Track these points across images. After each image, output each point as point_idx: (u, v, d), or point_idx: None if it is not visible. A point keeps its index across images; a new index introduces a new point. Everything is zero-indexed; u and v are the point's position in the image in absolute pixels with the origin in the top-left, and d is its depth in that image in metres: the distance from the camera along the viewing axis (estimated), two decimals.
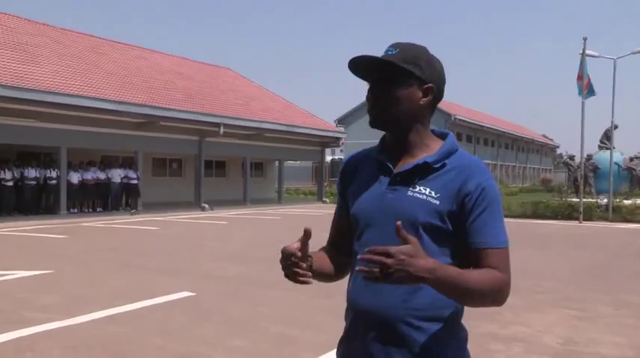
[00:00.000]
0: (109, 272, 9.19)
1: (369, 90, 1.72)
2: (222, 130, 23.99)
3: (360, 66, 1.72)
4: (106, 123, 20.57)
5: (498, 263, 1.58)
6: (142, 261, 10.52)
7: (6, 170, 19.03)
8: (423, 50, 1.71)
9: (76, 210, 20.50)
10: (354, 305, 1.74)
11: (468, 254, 1.62)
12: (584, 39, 20.66)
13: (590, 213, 20.82)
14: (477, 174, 1.63)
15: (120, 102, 20.34)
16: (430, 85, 1.68)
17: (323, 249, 1.92)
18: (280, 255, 1.63)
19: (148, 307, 6.84)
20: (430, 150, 1.70)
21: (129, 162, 22.97)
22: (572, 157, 29.30)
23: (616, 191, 23.66)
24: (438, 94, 1.72)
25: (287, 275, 1.65)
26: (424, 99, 1.68)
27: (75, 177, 20.42)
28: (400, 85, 1.66)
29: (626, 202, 23.13)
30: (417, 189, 1.64)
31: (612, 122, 24.16)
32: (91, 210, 21.24)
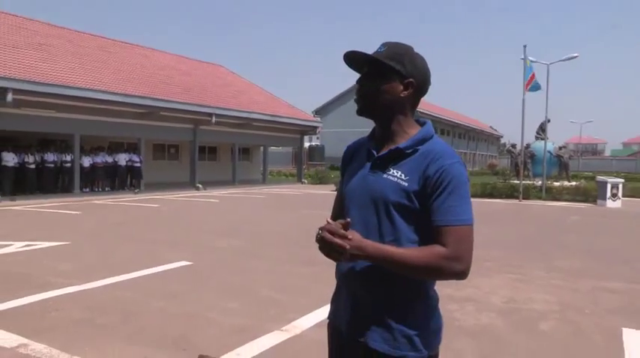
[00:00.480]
0: (117, 244, 9.15)
1: (357, 82, 1.73)
2: (214, 120, 23.81)
3: (354, 60, 1.72)
4: (114, 113, 20.35)
5: (449, 239, 1.54)
6: (145, 234, 10.47)
7: (29, 154, 18.80)
8: (407, 49, 1.70)
9: (87, 190, 20.24)
10: (339, 270, 1.78)
11: (432, 231, 1.58)
12: (524, 46, 20.78)
13: (528, 193, 21.10)
14: (440, 157, 1.60)
15: (125, 95, 20.06)
16: (411, 79, 1.66)
17: None
18: (319, 234, 1.56)
19: (152, 274, 6.83)
20: (407, 136, 1.69)
21: (133, 148, 22.69)
22: (514, 146, 29.50)
23: (548, 175, 24.01)
24: (420, 89, 1.70)
25: (327, 253, 1.57)
26: (405, 92, 1.67)
27: (86, 161, 20.17)
28: (383, 78, 1.66)
29: (556, 184, 23.68)
30: (390, 172, 1.64)
31: (546, 116, 24.46)
32: (100, 189, 20.97)
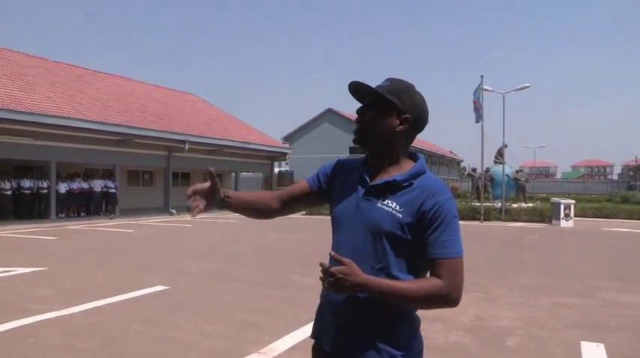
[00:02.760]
0: (94, 269, 8.93)
1: (357, 111, 1.73)
2: (187, 146, 23.75)
3: (357, 90, 1.73)
4: (90, 140, 20.09)
5: (444, 271, 1.57)
6: (121, 259, 10.26)
7: (5, 181, 18.38)
8: (408, 86, 1.71)
9: (63, 215, 19.82)
10: (323, 294, 1.76)
11: (427, 263, 1.61)
12: (482, 76, 21.31)
13: (489, 215, 21.35)
14: (436, 194, 1.61)
15: (101, 123, 19.93)
16: (407, 115, 1.67)
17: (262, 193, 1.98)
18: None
19: (129, 299, 6.68)
20: (402, 169, 1.69)
21: (108, 174, 22.45)
22: (474, 170, 29.95)
23: (507, 197, 24.41)
24: (415, 125, 1.70)
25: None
26: (400, 126, 1.67)
27: (62, 187, 19.80)
28: (381, 111, 1.67)
29: (514, 206, 24.10)
30: (385, 202, 1.63)
31: (503, 142, 25.02)
32: (76, 215, 20.57)
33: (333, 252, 1.58)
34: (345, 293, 1.58)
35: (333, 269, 1.52)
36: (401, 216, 1.61)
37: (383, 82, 1.71)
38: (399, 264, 1.62)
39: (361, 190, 1.70)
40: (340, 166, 1.85)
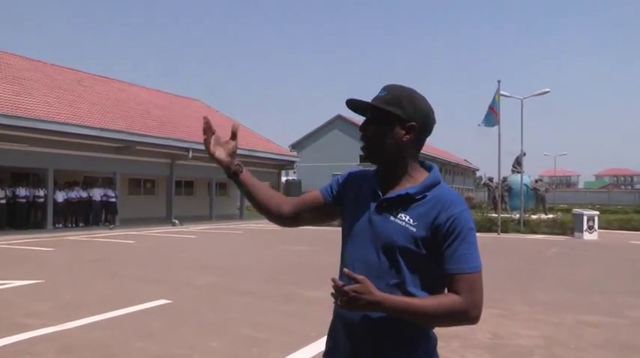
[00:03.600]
0: (93, 282, 8.95)
1: (359, 129, 1.74)
2: (191, 154, 23.76)
3: (356, 106, 1.74)
4: (89, 147, 20.19)
5: (463, 287, 1.56)
6: (121, 271, 10.26)
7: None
8: (407, 91, 1.70)
9: (61, 225, 19.92)
10: (336, 311, 1.74)
11: (444, 278, 1.60)
12: (499, 81, 21.24)
13: (506, 227, 21.30)
14: (451, 206, 1.60)
15: (101, 129, 20.02)
16: (412, 123, 1.65)
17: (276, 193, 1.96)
18: None
19: (130, 313, 6.68)
20: (414, 181, 1.68)
21: (108, 182, 22.55)
22: (491, 179, 29.84)
23: (525, 208, 24.27)
24: (423, 131, 1.69)
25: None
26: (407, 136, 1.66)
27: (60, 196, 19.90)
28: (384, 124, 1.67)
29: (533, 217, 23.93)
30: (398, 216, 1.63)
31: (521, 150, 24.92)
32: (74, 225, 20.67)
33: (347, 270, 1.56)
34: (359, 312, 1.57)
35: (347, 287, 1.51)
36: (415, 230, 1.60)
37: (380, 92, 1.71)
38: (414, 280, 1.62)
39: (373, 204, 1.70)
40: (351, 179, 1.85)
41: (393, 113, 1.65)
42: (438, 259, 1.60)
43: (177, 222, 23.32)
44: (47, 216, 19.37)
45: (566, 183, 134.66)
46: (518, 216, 22.78)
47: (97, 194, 21.31)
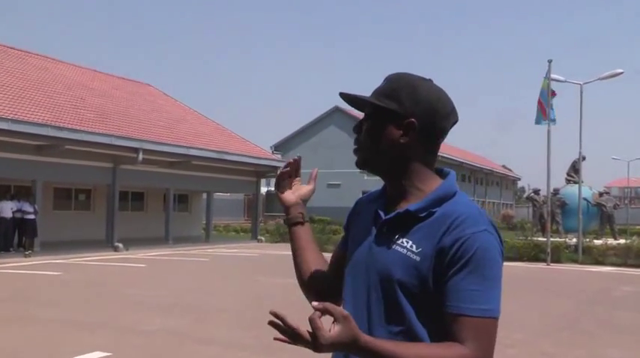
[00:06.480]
0: (1, 329, 8.85)
1: (354, 129, 1.76)
2: (141, 156, 23.61)
3: (352, 102, 1.76)
4: None
5: (469, 334, 1.49)
6: (42, 314, 10.14)
7: None
8: (408, 80, 1.69)
9: None
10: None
11: (444, 320, 1.54)
12: (549, 61, 21.27)
13: (559, 254, 21.31)
14: (462, 224, 1.55)
15: (13, 121, 19.63)
16: (410, 120, 1.64)
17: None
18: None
19: None
20: (422, 194, 1.66)
21: (25, 193, 22.34)
22: (537, 191, 29.84)
23: (585, 229, 24.33)
24: (428, 130, 1.66)
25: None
26: (404, 136, 1.65)
27: None
28: (375, 122, 1.69)
29: (597, 242, 23.68)
30: (399, 242, 1.62)
31: (580, 153, 24.86)
32: None
33: (316, 303, 1.45)
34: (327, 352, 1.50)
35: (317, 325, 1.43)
36: (418, 258, 1.57)
37: (381, 84, 1.74)
38: (424, 327, 1.57)
39: (373, 229, 1.71)
40: (358, 205, 1.91)
41: (386, 108, 1.66)
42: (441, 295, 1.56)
43: (120, 246, 23.26)
44: None
45: None
46: (575, 240, 22.81)
47: (6, 209, 21.05)
